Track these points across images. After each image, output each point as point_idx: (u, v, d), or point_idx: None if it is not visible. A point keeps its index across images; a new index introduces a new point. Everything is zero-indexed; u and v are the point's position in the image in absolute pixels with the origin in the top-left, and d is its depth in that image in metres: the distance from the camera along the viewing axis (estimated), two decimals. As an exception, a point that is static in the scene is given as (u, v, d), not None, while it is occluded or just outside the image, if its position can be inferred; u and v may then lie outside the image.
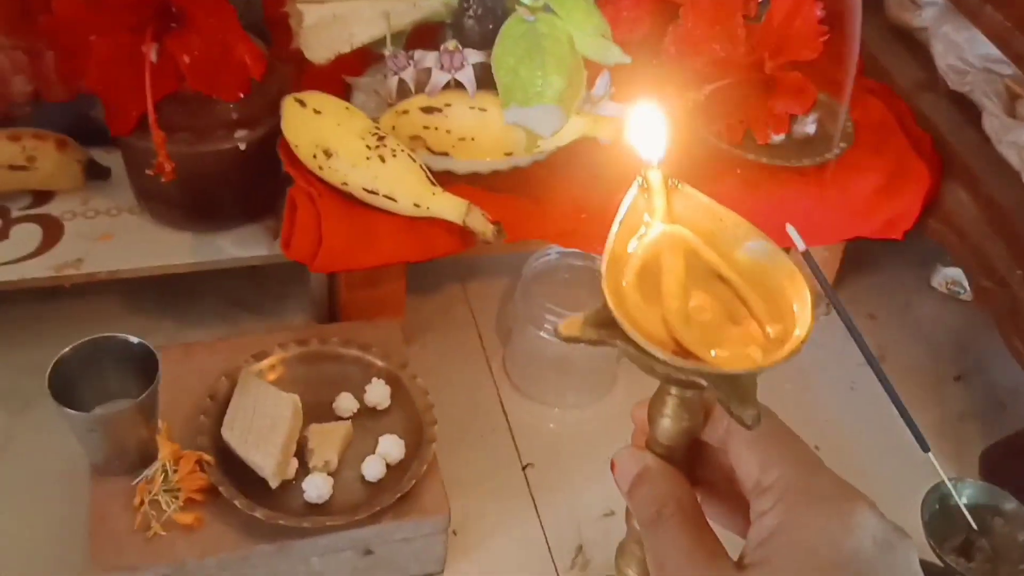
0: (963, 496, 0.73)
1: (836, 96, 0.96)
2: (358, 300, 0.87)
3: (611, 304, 0.47)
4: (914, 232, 0.94)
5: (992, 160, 0.89)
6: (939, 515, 0.72)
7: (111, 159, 0.91)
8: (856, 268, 1.06)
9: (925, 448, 0.72)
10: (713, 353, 0.47)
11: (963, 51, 0.95)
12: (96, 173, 0.90)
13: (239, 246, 0.88)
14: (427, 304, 0.99)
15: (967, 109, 0.94)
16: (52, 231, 0.87)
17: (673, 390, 0.52)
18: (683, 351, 0.46)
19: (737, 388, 0.45)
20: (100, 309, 0.93)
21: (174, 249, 0.87)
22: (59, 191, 0.90)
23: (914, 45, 1.02)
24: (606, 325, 0.48)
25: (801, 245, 0.71)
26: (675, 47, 0.95)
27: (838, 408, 0.94)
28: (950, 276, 1.04)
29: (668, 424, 0.53)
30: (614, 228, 0.51)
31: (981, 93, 0.91)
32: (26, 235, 0.86)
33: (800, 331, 0.46)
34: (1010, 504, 0.72)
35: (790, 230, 0.71)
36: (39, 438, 0.82)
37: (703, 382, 0.46)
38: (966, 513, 0.72)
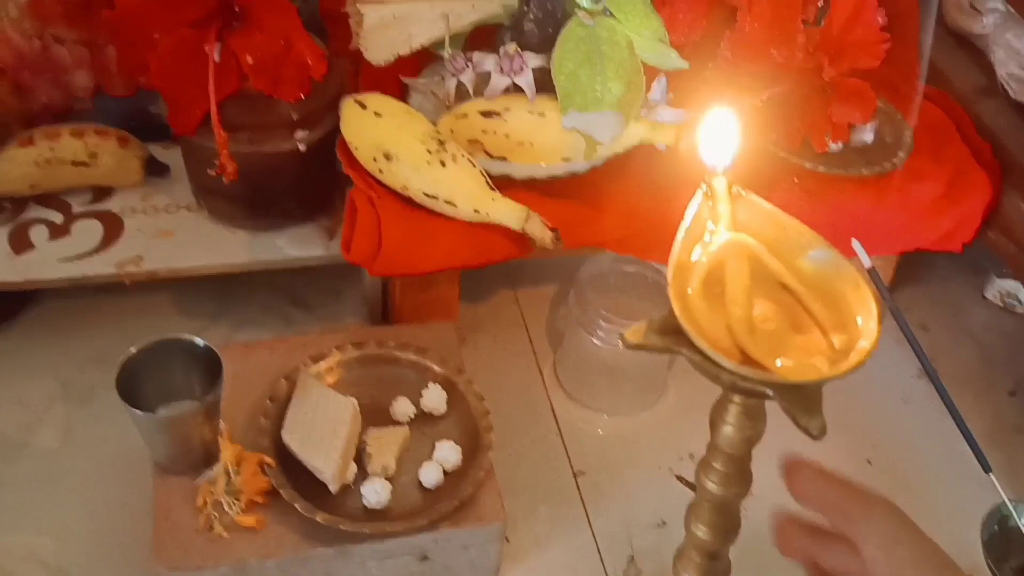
0: (1023, 517, 0.72)
1: (894, 103, 0.96)
2: (412, 302, 0.87)
3: (677, 312, 0.48)
4: (972, 243, 0.93)
5: (1055, 172, 0.88)
6: (998, 536, 0.72)
7: (169, 155, 0.92)
8: (909, 278, 1.05)
9: (987, 468, 0.71)
10: (779, 363, 0.47)
11: (1027, 59, 0.93)
12: (156, 169, 0.91)
13: (295, 245, 0.88)
14: (478, 307, 0.99)
15: (1029, 118, 0.93)
16: (112, 227, 0.88)
17: (736, 398, 0.52)
18: (749, 360, 0.47)
19: (803, 398, 0.46)
20: (158, 303, 0.94)
21: (232, 247, 0.88)
22: (119, 187, 0.91)
23: (974, 51, 1.01)
24: (671, 332, 0.48)
25: (867, 262, 0.70)
26: (732, 51, 0.94)
27: (891, 421, 0.94)
28: (1005, 288, 1.03)
29: (731, 432, 0.53)
30: (679, 236, 0.52)
31: (1046, 103, 0.90)
32: (87, 231, 0.87)
33: (866, 342, 0.47)
34: None
35: (856, 246, 0.70)
36: (100, 429, 0.83)
37: (768, 392, 0.46)
38: None
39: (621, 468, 0.87)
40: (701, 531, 0.60)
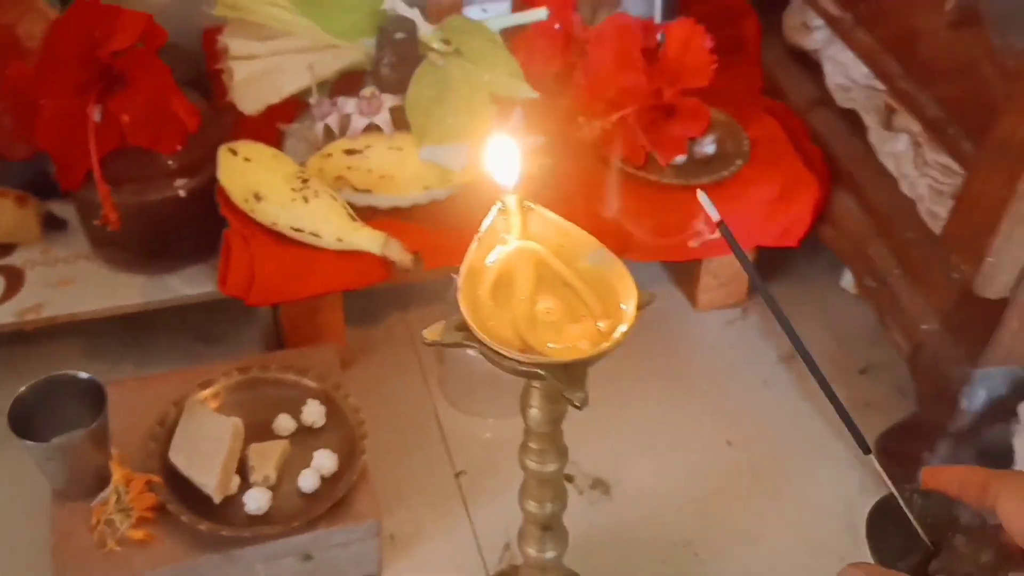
0: (915, 509, 0.59)
1: (736, 117, 1.05)
2: (299, 329, 0.95)
3: (465, 312, 0.56)
4: (810, 239, 1.01)
5: (874, 169, 0.97)
6: (889, 530, 0.58)
7: (67, 210, 0.99)
8: (771, 275, 1.14)
9: (866, 450, 0.64)
10: (550, 347, 0.55)
11: (848, 70, 1.03)
12: (54, 224, 0.98)
13: (188, 284, 0.96)
14: (371, 331, 1.06)
15: (855, 123, 1.02)
16: (14, 280, 0.94)
17: (535, 383, 0.60)
18: (527, 347, 0.55)
19: (569, 375, 0.54)
20: (65, 351, 1.01)
21: (128, 290, 0.95)
22: (20, 243, 0.98)
23: (809, 65, 1.11)
24: (464, 329, 0.56)
25: (715, 215, 0.73)
26: (584, 80, 1.03)
27: (751, 404, 1.02)
28: (857, 277, 1.12)
29: (537, 413, 0.61)
30: (472, 245, 0.59)
31: (863, 108, 1.00)
32: (-10, 286, 0.94)
33: (625, 325, 0.55)
34: (967, 515, 0.57)
35: (702, 197, 0.70)
36: (5, 475, 0.88)
37: (542, 372, 0.54)
38: (920, 531, 0.58)
39: (502, 467, 0.93)
40: (532, 506, 0.67)
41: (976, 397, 0.85)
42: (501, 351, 0.55)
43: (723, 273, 1.09)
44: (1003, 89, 0.70)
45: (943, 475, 0.54)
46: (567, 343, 0.56)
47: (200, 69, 1.07)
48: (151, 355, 1.02)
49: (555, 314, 0.59)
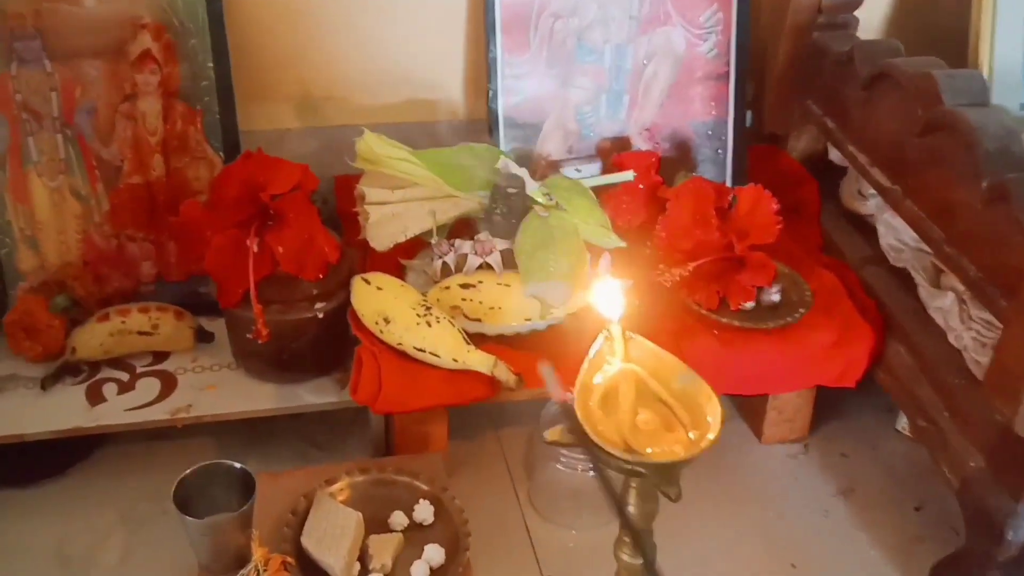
0: None
1: (798, 270, 1.19)
2: (409, 438, 1.07)
3: (580, 418, 0.68)
4: (868, 384, 1.13)
5: (924, 322, 1.09)
6: None
7: (214, 326, 1.15)
8: (830, 413, 1.25)
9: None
10: (649, 450, 0.67)
11: (900, 233, 1.16)
12: (204, 337, 1.14)
13: (314, 394, 1.10)
14: (466, 444, 1.18)
15: (905, 280, 1.14)
16: (168, 383, 1.10)
17: (632, 483, 0.71)
18: (631, 450, 0.67)
19: (665, 473, 0.66)
20: (199, 449, 1.14)
21: (262, 397, 1.09)
22: (174, 352, 1.13)
23: (864, 227, 1.24)
24: (579, 432, 0.68)
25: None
26: (665, 232, 1.18)
27: (813, 531, 1.11)
28: (910, 420, 1.22)
29: (632, 510, 0.72)
30: (584, 365, 0.72)
31: (913, 267, 1.12)
32: (148, 387, 1.09)
33: (712, 434, 0.67)
34: None
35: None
36: (152, 551, 1.02)
37: (642, 470, 0.66)
38: None
39: (584, 574, 1.04)
40: (622, 596, 0.77)
41: (1021, 529, 0.94)
42: (610, 451, 0.67)
43: (787, 409, 1.20)
44: (1031, 257, 0.83)
45: None
46: (663, 447, 0.68)
47: (333, 213, 1.24)
48: (271, 457, 1.15)
49: (652, 424, 0.71)
